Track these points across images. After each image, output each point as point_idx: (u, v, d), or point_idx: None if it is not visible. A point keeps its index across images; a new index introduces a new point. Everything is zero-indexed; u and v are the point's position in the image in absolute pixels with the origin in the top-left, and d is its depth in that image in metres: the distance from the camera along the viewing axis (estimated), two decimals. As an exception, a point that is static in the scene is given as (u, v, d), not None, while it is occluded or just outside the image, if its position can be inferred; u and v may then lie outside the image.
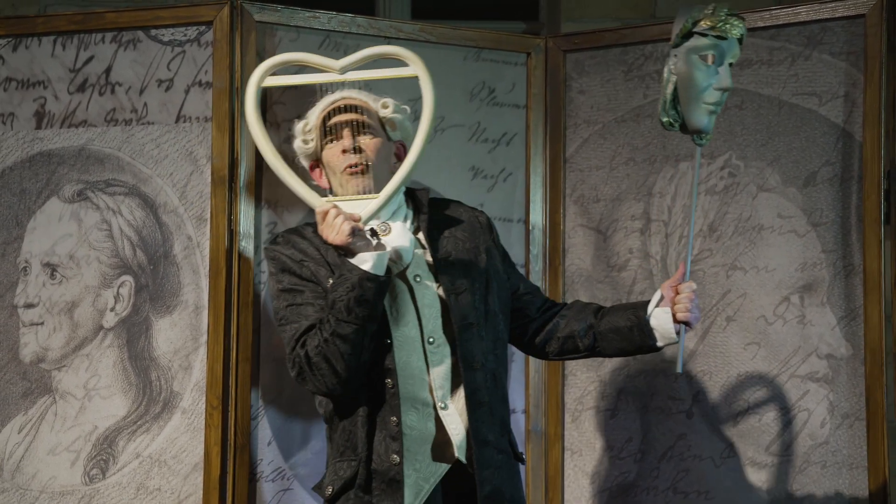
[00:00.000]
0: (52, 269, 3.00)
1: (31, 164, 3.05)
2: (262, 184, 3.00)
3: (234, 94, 2.96)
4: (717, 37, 2.48)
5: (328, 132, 2.59)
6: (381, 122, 2.64)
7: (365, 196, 2.49)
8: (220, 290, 2.93)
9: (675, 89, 2.52)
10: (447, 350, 2.51)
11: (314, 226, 2.56)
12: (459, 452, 2.47)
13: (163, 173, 3.01)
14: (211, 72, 2.98)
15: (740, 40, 2.52)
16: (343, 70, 2.58)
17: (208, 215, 2.97)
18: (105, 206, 3.01)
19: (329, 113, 2.61)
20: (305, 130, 2.66)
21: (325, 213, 2.43)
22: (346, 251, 2.42)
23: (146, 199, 3.01)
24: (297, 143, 2.68)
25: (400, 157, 2.66)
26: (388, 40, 3.11)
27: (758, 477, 3.00)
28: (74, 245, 3.00)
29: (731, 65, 2.52)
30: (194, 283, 2.97)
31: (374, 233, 2.53)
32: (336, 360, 2.41)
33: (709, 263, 3.08)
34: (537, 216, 3.23)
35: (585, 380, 3.18)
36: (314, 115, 2.66)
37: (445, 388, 2.50)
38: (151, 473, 2.95)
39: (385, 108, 2.63)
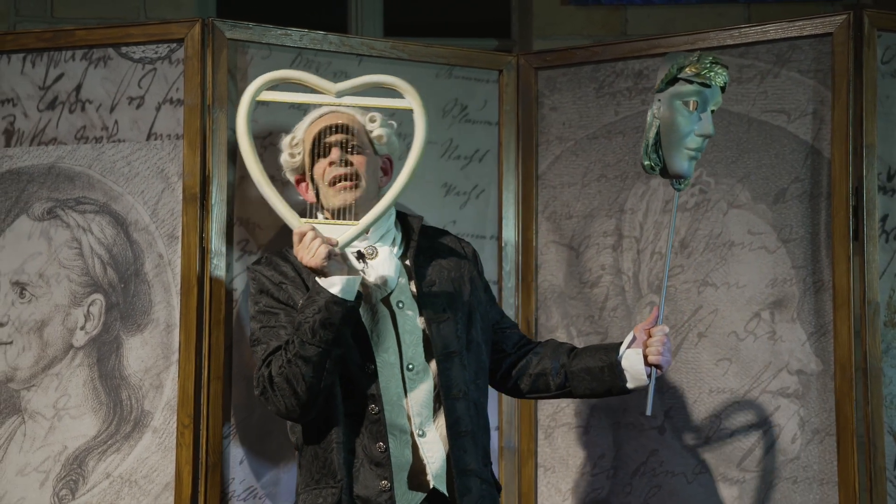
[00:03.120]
0: (21, 287, 2.98)
1: (0, 183, 3.02)
2: (234, 201, 3.00)
3: (206, 111, 2.95)
4: (702, 84, 2.53)
5: (317, 149, 2.59)
6: (369, 136, 2.63)
7: (345, 221, 2.48)
8: (192, 308, 2.92)
9: (658, 134, 2.56)
10: (427, 377, 2.50)
11: None
12: (437, 481, 2.46)
13: (134, 191, 3.00)
14: (182, 89, 2.97)
15: (723, 88, 2.56)
16: (340, 94, 2.57)
17: (179, 233, 2.95)
18: (75, 224, 2.99)
19: (318, 132, 2.60)
20: (292, 144, 2.65)
21: (303, 235, 2.42)
22: (319, 273, 2.41)
23: (117, 216, 2.99)
24: (284, 157, 2.67)
25: (386, 171, 2.67)
26: (360, 58, 3.11)
27: (729, 493, 3.01)
28: (44, 263, 2.98)
29: (713, 111, 2.56)
30: (165, 301, 2.95)
31: (361, 255, 2.53)
32: (297, 382, 2.40)
33: (680, 280, 3.09)
34: (510, 233, 3.24)
35: (558, 396, 3.19)
36: (301, 129, 2.65)
37: (424, 416, 2.49)
38: (122, 493, 2.92)
39: (372, 121, 2.64)
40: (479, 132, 3.24)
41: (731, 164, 3.07)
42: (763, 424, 2.99)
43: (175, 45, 2.99)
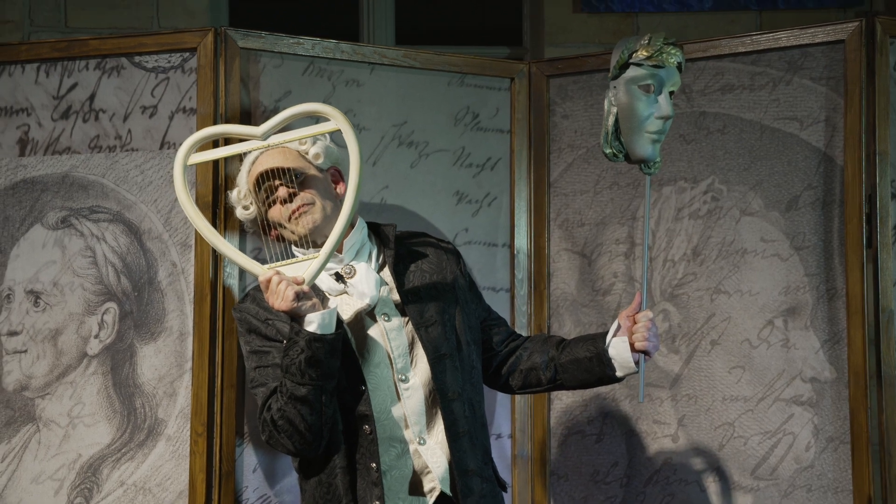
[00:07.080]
0: (35, 296, 2.99)
1: (14, 192, 3.04)
2: (247, 210, 3.00)
3: (219, 120, 2.96)
4: (655, 66, 2.50)
5: (263, 194, 2.60)
6: (306, 158, 2.64)
7: (306, 258, 2.48)
8: (205, 317, 2.93)
9: (617, 121, 2.54)
10: (421, 385, 2.51)
11: None
12: (443, 485, 2.47)
13: (147, 200, 3.01)
14: (195, 98, 2.98)
15: (679, 68, 2.53)
16: (265, 136, 2.59)
17: (193, 241, 2.96)
18: (89, 233, 3.01)
19: (257, 179, 2.61)
20: (241, 197, 2.68)
21: (269, 282, 2.42)
22: (294, 315, 2.41)
23: (130, 225, 3.01)
24: (239, 212, 2.70)
25: (337, 181, 2.68)
26: (372, 66, 3.12)
27: (743, 501, 3.00)
28: (58, 272, 2.99)
29: (672, 93, 2.53)
30: (179, 310, 2.96)
31: (339, 277, 2.54)
32: (298, 422, 2.41)
33: (693, 287, 3.09)
34: (522, 240, 3.24)
35: (571, 404, 3.19)
36: (243, 180, 2.67)
37: (422, 424, 2.50)
38: (136, 501, 2.93)
39: (303, 144, 2.64)
40: (492, 140, 3.25)
41: (743, 171, 3.06)
42: (777, 432, 2.98)
43: (188, 54, 3.00)
